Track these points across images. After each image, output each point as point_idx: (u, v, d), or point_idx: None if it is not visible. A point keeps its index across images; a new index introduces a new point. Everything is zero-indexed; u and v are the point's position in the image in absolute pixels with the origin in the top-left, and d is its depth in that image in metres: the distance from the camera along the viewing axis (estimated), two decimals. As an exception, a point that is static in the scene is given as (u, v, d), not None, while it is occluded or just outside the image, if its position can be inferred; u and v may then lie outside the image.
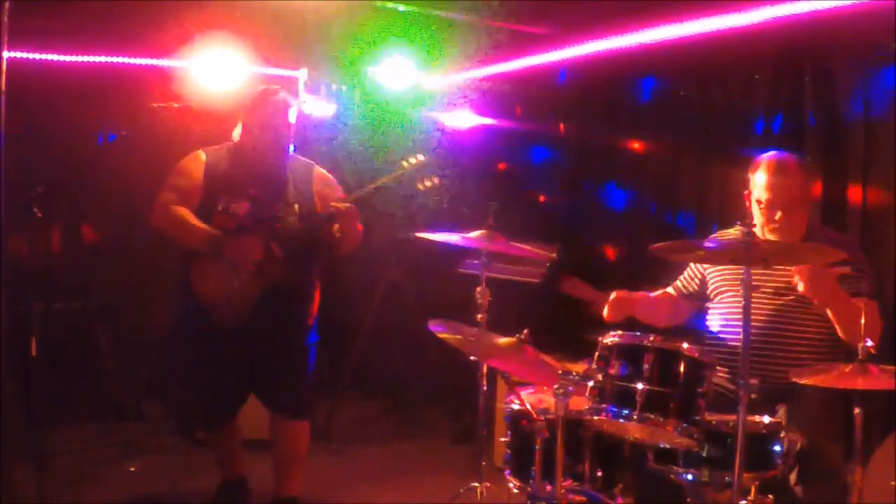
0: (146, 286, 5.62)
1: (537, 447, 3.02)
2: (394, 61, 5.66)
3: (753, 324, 2.79)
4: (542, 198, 6.25)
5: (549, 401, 3.04)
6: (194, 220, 3.73)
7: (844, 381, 2.70)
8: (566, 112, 6.00)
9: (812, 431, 2.99)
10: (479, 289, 3.75)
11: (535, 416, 3.07)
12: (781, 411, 3.13)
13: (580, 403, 2.92)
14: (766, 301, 3.30)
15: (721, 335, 3.42)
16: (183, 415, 5.17)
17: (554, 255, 4.69)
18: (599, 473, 3.15)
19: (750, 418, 2.80)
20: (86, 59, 5.35)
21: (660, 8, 4.56)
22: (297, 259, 3.82)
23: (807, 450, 2.95)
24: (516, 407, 3.28)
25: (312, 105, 5.64)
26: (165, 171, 3.89)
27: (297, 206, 3.83)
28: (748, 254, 2.69)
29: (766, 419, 2.92)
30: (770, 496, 2.90)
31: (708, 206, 4.96)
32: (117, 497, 4.34)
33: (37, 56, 5.21)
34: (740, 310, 2.72)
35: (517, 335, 2.91)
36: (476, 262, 3.85)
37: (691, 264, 3.63)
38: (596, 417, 2.90)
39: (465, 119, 5.96)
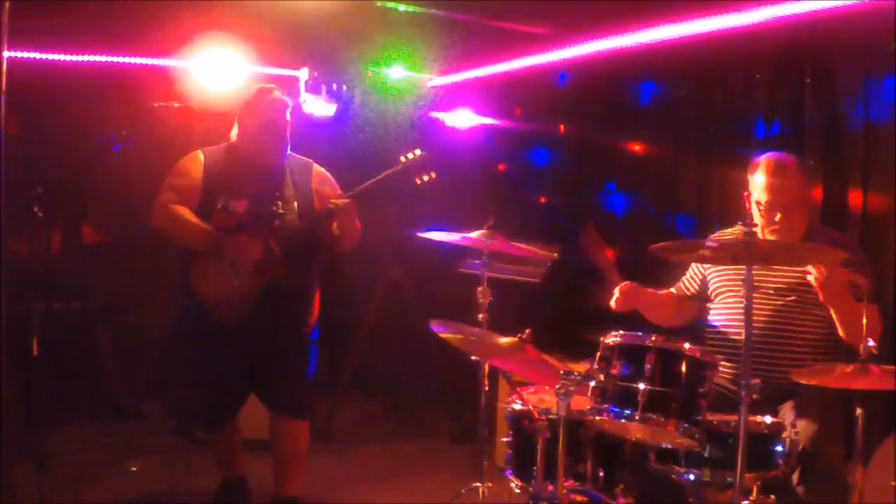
0: (146, 286, 5.61)
1: (539, 447, 3.02)
2: (394, 61, 5.65)
3: (753, 324, 2.79)
4: (541, 199, 6.25)
5: (550, 400, 3.04)
6: (194, 219, 3.73)
7: (845, 382, 2.71)
8: (566, 112, 6.00)
9: (813, 432, 3.00)
10: (479, 288, 3.75)
11: (536, 415, 3.08)
12: (787, 407, 3.13)
13: (582, 403, 2.92)
14: (766, 301, 3.30)
15: (721, 336, 3.43)
16: (183, 415, 5.16)
17: (555, 255, 4.68)
18: (601, 473, 3.15)
19: (752, 418, 2.80)
20: (86, 58, 5.35)
21: (660, 8, 4.56)
22: (297, 257, 3.81)
23: (808, 450, 2.95)
24: (518, 407, 3.28)
25: (313, 105, 5.64)
26: (166, 171, 3.89)
27: (296, 204, 3.84)
28: (749, 253, 2.69)
29: (768, 419, 2.92)
30: (772, 496, 2.91)
31: (708, 206, 4.96)
32: (117, 497, 4.34)
33: (37, 56, 5.20)
34: (740, 310, 2.72)
35: (519, 335, 2.91)
36: (477, 261, 3.85)
37: (692, 265, 3.64)
38: (597, 417, 2.90)
39: (465, 119, 5.96)
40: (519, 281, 5.15)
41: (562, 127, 6.08)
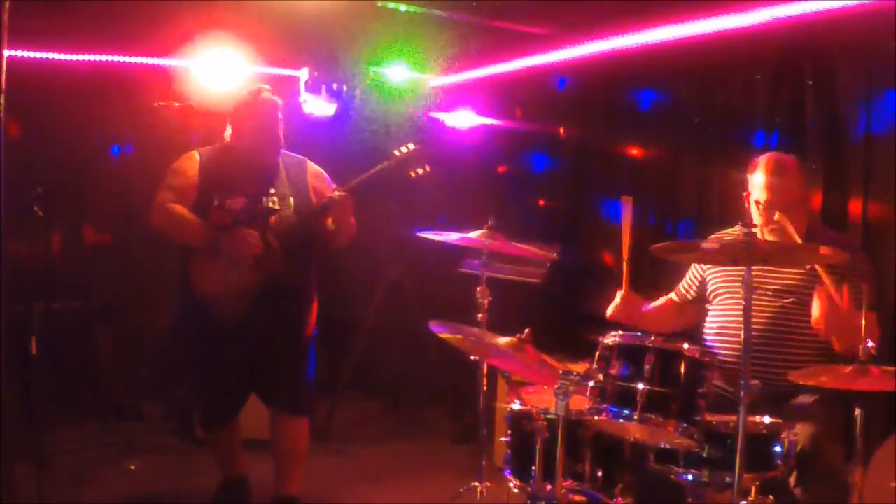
0: (146, 286, 5.62)
1: (538, 447, 3.02)
2: (394, 61, 5.65)
3: (752, 325, 2.79)
4: (541, 201, 6.24)
5: (549, 401, 3.03)
6: (192, 217, 3.74)
7: (845, 383, 2.70)
8: (566, 112, 6.00)
9: (812, 432, 3.00)
10: (479, 288, 3.76)
11: (535, 415, 3.08)
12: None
13: (581, 403, 2.92)
14: (764, 302, 3.29)
15: (720, 337, 3.42)
16: (183, 415, 5.17)
17: (555, 255, 4.68)
18: (600, 473, 3.14)
19: (750, 419, 2.80)
20: (86, 58, 5.35)
21: (660, 9, 4.55)
22: (295, 253, 3.82)
23: (807, 451, 2.95)
24: (517, 407, 3.28)
25: (313, 104, 5.64)
26: (166, 170, 3.89)
27: (291, 200, 3.85)
28: (748, 253, 2.69)
29: (767, 420, 2.92)
30: (770, 497, 2.90)
31: (708, 207, 4.95)
32: (117, 497, 4.35)
33: (37, 56, 5.21)
34: (739, 312, 2.72)
35: (518, 335, 2.91)
36: (476, 261, 3.85)
37: (691, 268, 3.63)
38: (596, 417, 2.90)
39: (466, 119, 5.96)
40: (518, 281, 5.15)
41: (561, 128, 6.07)
